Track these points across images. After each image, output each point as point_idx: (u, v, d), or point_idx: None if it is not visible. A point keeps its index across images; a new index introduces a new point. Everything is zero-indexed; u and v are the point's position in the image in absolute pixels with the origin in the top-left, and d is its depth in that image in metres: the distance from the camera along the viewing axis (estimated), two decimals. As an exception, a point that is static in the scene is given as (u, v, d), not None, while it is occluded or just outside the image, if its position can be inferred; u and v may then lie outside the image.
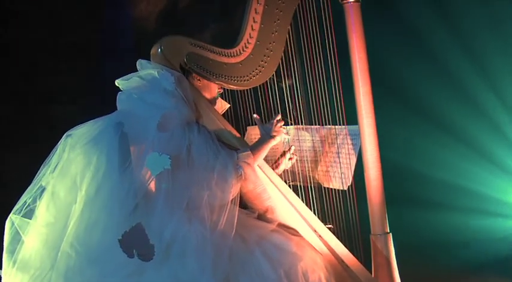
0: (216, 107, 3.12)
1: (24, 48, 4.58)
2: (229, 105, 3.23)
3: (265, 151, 3.01)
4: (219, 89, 3.11)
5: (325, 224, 3.17)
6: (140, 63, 2.94)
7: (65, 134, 2.84)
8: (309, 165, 3.28)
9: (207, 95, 3.06)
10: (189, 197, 2.72)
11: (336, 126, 3.25)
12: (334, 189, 3.17)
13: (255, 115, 3.12)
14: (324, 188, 3.20)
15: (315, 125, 3.27)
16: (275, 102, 3.16)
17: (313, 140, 3.32)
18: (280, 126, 3.10)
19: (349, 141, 3.23)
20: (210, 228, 2.70)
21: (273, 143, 3.06)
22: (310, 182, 3.20)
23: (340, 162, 3.20)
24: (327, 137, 3.29)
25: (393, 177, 3.32)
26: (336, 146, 3.25)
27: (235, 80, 3.05)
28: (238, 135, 3.05)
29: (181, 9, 4.87)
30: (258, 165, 3.00)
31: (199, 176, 2.73)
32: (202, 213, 2.70)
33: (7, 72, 4.54)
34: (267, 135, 3.05)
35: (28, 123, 4.56)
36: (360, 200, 3.09)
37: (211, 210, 2.73)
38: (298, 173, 3.24)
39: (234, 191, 2.80)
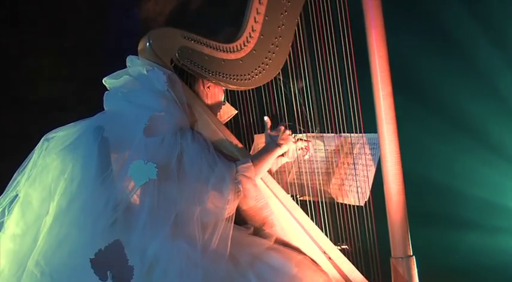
0: (221, 112, 2.79)
1: (24, 51, 4.30)
2: (236, 112, 2.88)
3: (269, 162, 2.66)
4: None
5: (339, 245, 2.80)
6: (130, 59, 2.62)
7: (43, 137, 2.53)
8: (322, 177, 2.90)
9: (211, 101, 2.74)
10: (178, 213, 2.38)
11: (353, 134, 2.89)
12: (350, 205, 2.79)
13: (266, 117, 2.77)
14: (338, 203, 2.81)
15: (329, 132, 2.91)
16: (283, 107, 2.80)
17: (326, 149, 2.95)
18: (289, 134, 2.73)
19: (368, 151, 2.85)
20: (200, 249, 2.35)
21: (278, 152, 2.70)
22: (322, 197, 2.83)
23: (356, 175, 2.83)
24: (343, 147, 2.92)
25: (417, 192, 2.90)
26: (352, 156, 2.88)
27: (234, 78, 2.70)
28: (239, 144, 2.70)
29: (192, 11, 4.55)
30: (260, 177, 2.66)
31: (190, 190, 2.39)
32: (192, 232, 2.36)
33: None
34: (272, 143, 2.69)
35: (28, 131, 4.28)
36: (378, 217, 2.71)
37: (203, 228, 2.38)
38: (309, 187, 2.87)
39: (230, 208, 2.45)
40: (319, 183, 2.88)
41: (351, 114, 2.76)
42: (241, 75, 2.70)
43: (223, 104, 2.81)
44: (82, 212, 2.34)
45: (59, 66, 4.40)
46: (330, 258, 2.65)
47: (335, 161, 2.91)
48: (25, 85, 4.29)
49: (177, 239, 2.34)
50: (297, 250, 2.63)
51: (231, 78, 2.69)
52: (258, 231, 2.62)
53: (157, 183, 2.35)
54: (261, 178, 2.66)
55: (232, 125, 2.86)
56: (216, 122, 2.68)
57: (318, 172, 2.91)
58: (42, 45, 4.28)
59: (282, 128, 2.73)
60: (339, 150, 2.92)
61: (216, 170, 2.43)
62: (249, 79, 2.71)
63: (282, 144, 2.70)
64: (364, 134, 2.85)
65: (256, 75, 2.72)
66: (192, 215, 2.36)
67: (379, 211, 2.71)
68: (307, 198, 2.86)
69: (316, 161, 2.95)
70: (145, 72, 2.51)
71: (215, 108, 2.75)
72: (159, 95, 2.46)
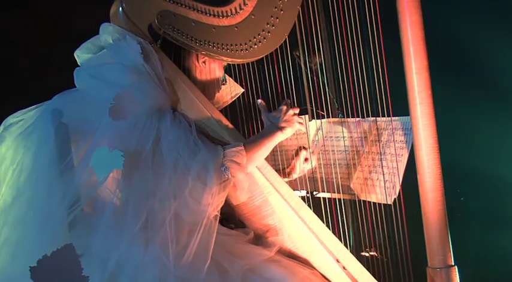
0: (222, 92, 2.34)
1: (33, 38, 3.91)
2: (242, 90, 2.43)
3: (266, 148, 2.21)
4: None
5: (367, 251, 2.34)
6: (103, 27, 2.18)
7: (3, 123, 2.14)
8: (343, 170, 2.44)
9: (207, 78, 2.30)
10: (149, 211, 1.94)
11: (380, 119, 2.42)
12: (375, 204, 2.32)
13: (259, 100, 2.33)
14: (361, 201, 2.35)
15: (352, 117, 2.44)
16: (294, 86, 2.33)
17: (350, 137, 2.48)
18: (294, 115, 2.27)
19: (398, 138, 2.38)
20: (175, 255, 1.91)
21: (280, 137, 2.25)
22: (343, 194, 2.36)
23: (384, 167, 2.35)
24: (368, 133, 2.45)
25: (459, 188, 2.41)
26: (379, 144, 2.41)
27: (228, 49, 2.25)
28: (230, 126, 2.24)
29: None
30: (257, 167, 2.20)
31: (166, 181, 1.95)
32: (166, 234, 1.92)
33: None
34: (272, 126, 2.24)
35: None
36: (411, 218, 2.24)
37: (179, 229, 1.94)
38: (327, 182, 2.40)
39: (215, 204, 2.00)
40: (340, 178, 2.42)
41: (378, 94, 2.28)
42: (236, 45, 2.25)
43: (224, 83, 2.36)
44: (30, 208, 1.93)
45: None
46: (344, 268, 2.19)
47: (359, 151, 2.45)
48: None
49: (148, 242, 1.91)
50: (304, 261, 2.17)
51: (224, 48, 2.24)
52: (260, 238, 2.17)
53: (126, 175, 1.94)
54: (259, 169, 2.21)
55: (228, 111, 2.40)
56: (202, 101, 2.22)
57: (339, 164, 2.45)
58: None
59: (284, 107, 2.27)
60: (364, 137, 2.45)
61: (199, 157, 2.00)
62: (247, 50, 2.26)
63: (284, 127, 2.25)
64: (394, 118, 2.39)
65: (255, 45, 2.26)
66: (166, 213, 1.93)
67: (412, 211, 2.24)
68: (324, 195, 2.40)
69: (338, 151, 2.49)
70: (111, 41, 2.10)
71: (213, 87, 2.32)
72: (129, 69, 2.02)
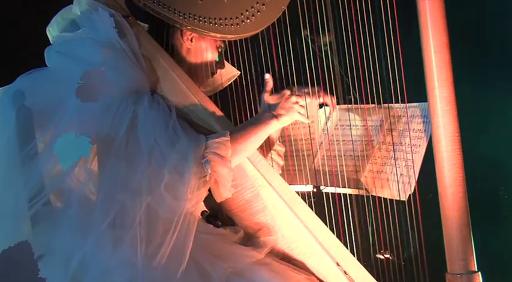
0: (217, 75, 2.12)
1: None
2: (238, 73, 2.19)
3: (258, 137, 1.96)
4: (219, 46, 2.11)
5: (381, 253, 2.09)
6: None
7: None
8: (354, 162, 2.18)
9: (196, 59, 2.08)
10: (120, 205, 1.71)
11: (397, 105, 2.15)
12: (388, 200, 2.06)
13: (267, 75, 2.06)
14: (372, 197, 2.09)
15: (365, 103, 2.18)
16: (300, 69, 2.08)
17: (363, 125, 2.23)
18: (295, 103, 2.02)
19: (416, 127, 2.12)
20: (147, 256, 1.69)
21: (274, 126, 2.00)
22: (352, 188, 2.11)
23: (399, 159, 2.09)
24: (384, 121, 2.19)
25: (484, 184, 2.13)
26: (395, 134, 2.15)
27: (216, 23, 2.00)
28: (218, 111, 2.00)
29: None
30: (247, 158, 1.96)
31: (139, 173, 1.72)
32: (136, 232, 1.69)
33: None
34: (267, 113, 2.00)
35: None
36: (429, 217, 1.96)
37: (153, 227, 1.71)
38: (336, 175, 2.15)
39: (194, 200, 1.77)
40: (350, 171, 2.16)
41: (392, 78, 2.02)
42: (226, 19, 2.00)
43: (221, 67, 2.14)
44: None
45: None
46: (345, 272, 1.93)
47: (372, 141, 2.19)
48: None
49: (117, 242, 1.69)
50: (300, 264, 1.92)
51: (211, 23, 1.99)
52: (251, 238, 1.93)
53: (96, 164, 1.72)
54: (249, 159, 1.96)
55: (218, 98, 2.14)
56: (186, 81, 1.98)
57: (350, 156, 2.19)
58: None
59: (287, 92, 2.02)
60: (378, 126, 2.19)
61: (178, 146, 1.76)
62: (238, 24, 2.00)
63: (281, 114, 1.99)
64: (411, 104, 2.13)
65: (248, 19, 2.01)
66: (139, 208, 1.70)
67: (430, 209, 1.97)
68: (332, 190, 2.15)
69: (349, 141, 2.23)
70: (79, 13, 1.88)
71: (201, 69, 2.08)
72: (102, 45, 1.80)
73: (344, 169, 2.16)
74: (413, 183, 2.04)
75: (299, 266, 1.92)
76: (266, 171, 1.98)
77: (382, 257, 2.20)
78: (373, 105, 2.19)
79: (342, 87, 2.35)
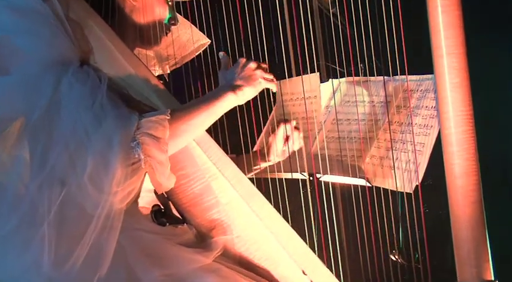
0: (180, 42, 1.83)
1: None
2: (208, 41, 1.90)
3: (207, 115, 1.64)
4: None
5: (393, 254, 1.78)
6: None
7: None
8: (357, 146, 1.85)
9: (144, 19, 1.79)
10: (31, 199, 1.44)
11: (411, 77, 1.82)
12: (391, 192, 1.72)
13: (221, 53, 1.78)
14: (373, 188, 1.76)
15: (373, 75, 1.85)
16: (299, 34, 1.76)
17: (371, 102, 1.89)
18: (256, 68, 1.71)
19: (429, 103, 1.78)
20: (56, 260, 1.42)
21: (231, 100, 1.68)
22: (351, 177, 1.79)
23: (408, 142, 1.75)
24: (393, 97, 1.85)
25: (504, 175, 1.74)
26: (405, 112, 1.81)
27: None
28: (160, 85, 1.72)
29: None
30: (195, 142, 1.67)
31: (53, 158, 1.45)
32: (44, 233, 1.42)
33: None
34: (222, 86, 1.70)
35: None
36: (433, 214, 1.63)
37: (65, 226, 1.44)
38: (338, 161, 1.83)
39: (121, 193, 1.47)
40: (348, 156, 1.84)
41: (403, 45, 1.67)
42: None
43: (174, 23, 1.85)
44: None
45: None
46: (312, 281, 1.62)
47: (378, 121, 1.85)
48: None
49: (26, 244, 1.43)
50: (261, 271, 1.62)
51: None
52: (205, 239, 1.64)
53: (6, 148, 1.47)
54: (198, 144, 1.67)
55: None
56: (123, 51, 1.70)
57: (353, 138, 1.87)
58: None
59: (242, 60, 1.72)
60: (389, 102, 1.86)
61: (104, 126, 1.47)
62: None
63: (240, 86, 1.68)
64: (425, 76, 1.80)
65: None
66: (53, 202, 1.43)
67: (435, 202, 1.63)
68: (331, 178, 1.84)
69: (354, 120, 1.90)
70: None
71: (148, 30, 1.80)
72: (17, 8, 1.52)
73: (347, 154, 1.85)
74: (422, 172, 1.69)
75: (260, 272, 1.62)
76: (218, 159, 1.68)
77: (394, 258, 1.88)
78: (387, 77, 1.85)
79: (351, 54, 2.00)
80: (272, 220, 1.66)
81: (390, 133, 1.79)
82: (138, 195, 1.58)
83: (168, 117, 1.53)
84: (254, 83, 1.69)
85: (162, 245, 1.54)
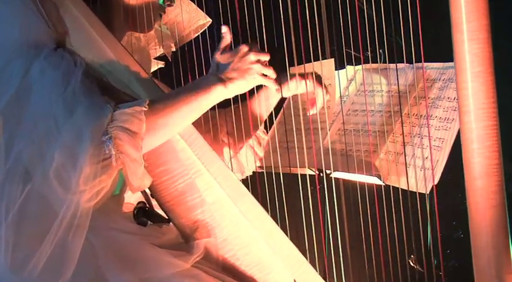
0: (175, 22, 1.69)
1: None
2: (209, 21, 1.75)
3: (192, 108, 1.46)
4: None
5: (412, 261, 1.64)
6: None
7: None
8: (368, 140, 1.69)
9: (131, 1, 1.63)
10: None
11: (434, 64, 1.65)
12: (406, 192, 1.56)
13: (224, 28, 1.57)
14: (386, 188, 1.60)
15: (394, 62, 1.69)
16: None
17: (388, 92, 1.73)
18: (256, 62, 1.53)
19: (452, 94, 1.62)
20: (14, 265, 1.30)
21: (220, 93, 1.50)
22: (363, 174, 1.63)
23: (426, 137, 1.59)
24: (413, 87, 1.68)
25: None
26: (424, 103, 1.64)
27: None
28: (142, 73, 1.56)
29: None
30: (180, 135, 1.52)
31: (15, 150, 1.33)
32: (3, 233, 1.30)
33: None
34: (211, 75, 1.52)
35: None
36: (448, 217, 1.46)
37: (24, 227, 1.32)
38: (349, 156, 1.68)
39: (89, 193, 1.32)
40: (365, 150, 1.68)
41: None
42: None
43: (170, 4, 1.69)
44: None
45: None
46: None
47: (396, 112, 1.69)
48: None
49: None
50: (248, 279, 1.47)
51: None
52: (187, 240, 1.50)
53: None
54: (182, 136, 1.52)
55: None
56: (103, 34, 1.55)
57: (366, 131, 1.71)
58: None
59: (244, 47, 1.53)
60: (406, 92, 1.69)
61: (75, 116, 1.32)
62: None
63: (231, 78, 1.50)
64: (449, 64, 1.64)
65: None
66: (13, 201, 1.32)
67: (457, 205, 1.46)
68: (342, 175, 1.69)
69: (370, 111, 1.75)
70: None
71: (141, 11, 1.63)
72: None
73: (361, 149, 1.69)
74: (440, 171, 1.53)
75: (248, 280, 1.47)
76: (203, 154, 1.52)
77: (413, 264, 1.72)
78: (402, 64, 1.69)
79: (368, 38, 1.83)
80: (262, 222, 1.50)
81: (406, 127, 1.63)
82: (112, 192, 1.44)
83: (146, 109, 1.36)
84: (248, 77, 1.52)
85: (139, 247, 1.40)
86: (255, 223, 1.49)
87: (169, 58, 1.79)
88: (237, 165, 1.76)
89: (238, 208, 1.50)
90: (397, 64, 1.70)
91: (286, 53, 1.64)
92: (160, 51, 1.82)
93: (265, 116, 1.78)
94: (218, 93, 1.50)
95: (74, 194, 1.29)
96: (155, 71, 1.80)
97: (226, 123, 1.68)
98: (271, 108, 1.78)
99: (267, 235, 1.50)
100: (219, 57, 1.54)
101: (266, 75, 1.54)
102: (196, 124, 1.54)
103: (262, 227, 1.50)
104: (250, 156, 1.78)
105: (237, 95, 1.56)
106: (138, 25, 1.64)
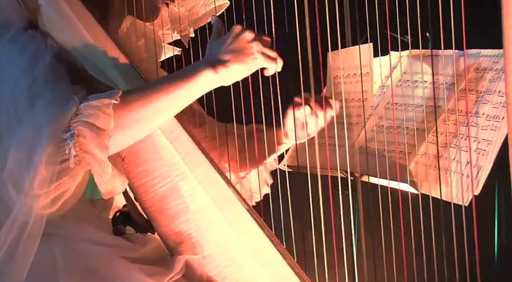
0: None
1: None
2: (227, 3, 1.54)
3: (175, 98, 1.22)
4: None
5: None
6: None
7: None
8: (405, 140, 1.45)
9: None
10: None
11: (485, 51, 1.42)
12: (442, 203, 1.32)
13: (213, 18, 1.35)
14: (419, 196, 1.36)
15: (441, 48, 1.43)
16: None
17: (431, 83, 1.48)
18: (252, 41, 1.27)
19: (504, 88, 1.34)
20: None
21: (210, 78, 1.24)
22: (395, 180, 1.40)
23: (470, 139, 1.34)
24: (460, 77, 1.44)
25: None
26: (472, 98, 1.40)
27: None
28: (124, 59, 1.35)
29: None
30: (161, 131, 1.30)
31: None
32: None
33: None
34: (204, 60, 1.28)
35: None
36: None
37: None
38: (382, 157, 1.45)
39: (48, 196, 1.13)
40: (400, 152, 1.44)
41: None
42: None
43: None
44: None
45: None
46: None
47: (439, 108, 1.44)
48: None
49: None
50: None
51: None
52: (173, 254, 1.28)
53: None
54: (162, 132, 1.30)
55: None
56: (80, 13, 1.34)
57: (406, 128, 1.47)
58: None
59: (237, 28, 1.28)
60: (452, 84, 1.44)
61: (36, 108, 1.14)
62: None
63: (225, 61, 1.25)
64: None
65: None
66: None
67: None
68: (372, 180, 1.47)
69: (410, 106, 1.50)
70: None
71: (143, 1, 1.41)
72: None
73: (396, 149, 1.45)
74: (483, 179, 1.28)
75: None
76: (187, 154, 1.30)
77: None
78: (452, 50, 1.44)
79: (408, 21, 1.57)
80: (252, 236, 1.28)
81: (448, 125, 1.39)
82: (79, 196, 1.26)
83: (116, 102, 1.15)
84: (246, 59, 1.26)
85: (107, 262, 1.20)
86: (246, 237, 1.27)
87: (186, 44, 1.60)
88: (245, 190, 1.55)
89: (224, 217, 1.27)
90: (444, 50, 1.46)
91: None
92: (176, 36, 1.63)
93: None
94: (206, 80, 1.24)
95: (26, 197, 1.12)
96: (168, 58, 1.62)
97: (236, 141, 1.49)
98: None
99: (258, 250, 1.28)
100: (212, 43, 1.31)
101: (268, 56, 1.28)
102: (203, 138, 1.36)
103: (252, 241, 1.28)
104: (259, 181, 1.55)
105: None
106: (139, 12, 1.44)
